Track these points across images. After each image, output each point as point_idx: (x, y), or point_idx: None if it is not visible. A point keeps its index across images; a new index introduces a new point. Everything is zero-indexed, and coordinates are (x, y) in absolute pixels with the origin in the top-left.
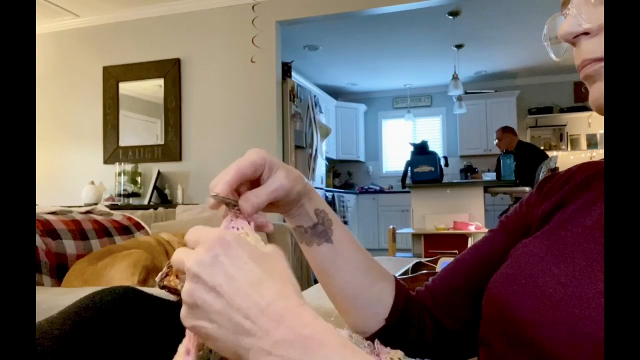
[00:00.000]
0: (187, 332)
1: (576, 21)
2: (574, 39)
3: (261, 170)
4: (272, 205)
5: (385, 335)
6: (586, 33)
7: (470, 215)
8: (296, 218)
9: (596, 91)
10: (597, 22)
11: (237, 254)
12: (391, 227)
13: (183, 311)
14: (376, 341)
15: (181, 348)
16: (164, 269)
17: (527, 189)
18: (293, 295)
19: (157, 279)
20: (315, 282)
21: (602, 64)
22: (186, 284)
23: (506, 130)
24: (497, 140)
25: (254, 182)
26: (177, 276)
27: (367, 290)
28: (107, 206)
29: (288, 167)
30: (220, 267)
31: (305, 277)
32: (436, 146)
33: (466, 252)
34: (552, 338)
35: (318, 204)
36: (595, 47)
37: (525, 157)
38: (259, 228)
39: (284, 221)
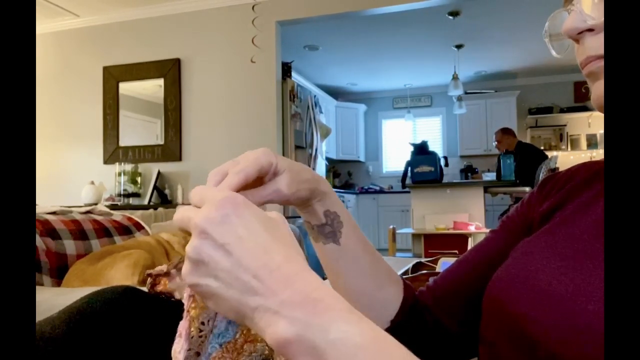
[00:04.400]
0: (185, 314)
1: (581, 17)
2: (578, 35)
3: (265, 174)
4: None
5: None
6: (590, 30)
7: (470, 216)
8: (305, 214)
9: (598, 89)
10: (601, 18)
11: (246, 215)
12: (391, 227)
13: (186, 268)
14: None
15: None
16: (149, 280)
17: (527, 189)
18: (301, 260)
19: (147, 287)
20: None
21: None
22: (192, 239)
23: (505, 132)
24: (496, 143)
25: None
26: (168, 280)
27: (372, 294)
28: (107, 206)
29: (299, 169)
30: (231, 226)
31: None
32: (436, 146)
33: (468, 253)
34: (552, 336)
35: (330, 206)
36: (599, 43)
37: (525, 157)
38: None
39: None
